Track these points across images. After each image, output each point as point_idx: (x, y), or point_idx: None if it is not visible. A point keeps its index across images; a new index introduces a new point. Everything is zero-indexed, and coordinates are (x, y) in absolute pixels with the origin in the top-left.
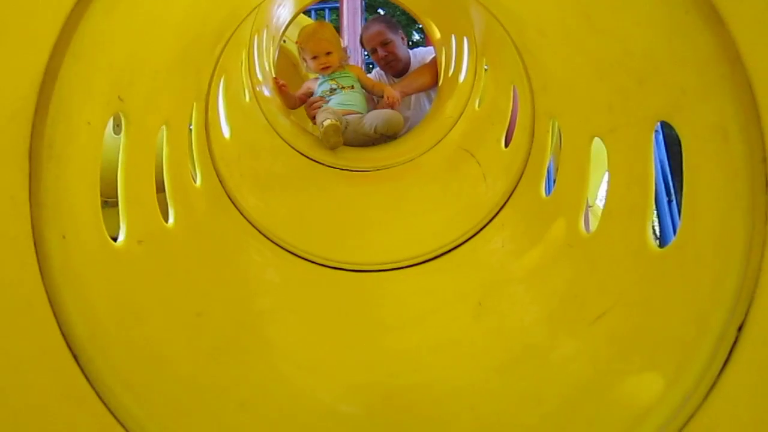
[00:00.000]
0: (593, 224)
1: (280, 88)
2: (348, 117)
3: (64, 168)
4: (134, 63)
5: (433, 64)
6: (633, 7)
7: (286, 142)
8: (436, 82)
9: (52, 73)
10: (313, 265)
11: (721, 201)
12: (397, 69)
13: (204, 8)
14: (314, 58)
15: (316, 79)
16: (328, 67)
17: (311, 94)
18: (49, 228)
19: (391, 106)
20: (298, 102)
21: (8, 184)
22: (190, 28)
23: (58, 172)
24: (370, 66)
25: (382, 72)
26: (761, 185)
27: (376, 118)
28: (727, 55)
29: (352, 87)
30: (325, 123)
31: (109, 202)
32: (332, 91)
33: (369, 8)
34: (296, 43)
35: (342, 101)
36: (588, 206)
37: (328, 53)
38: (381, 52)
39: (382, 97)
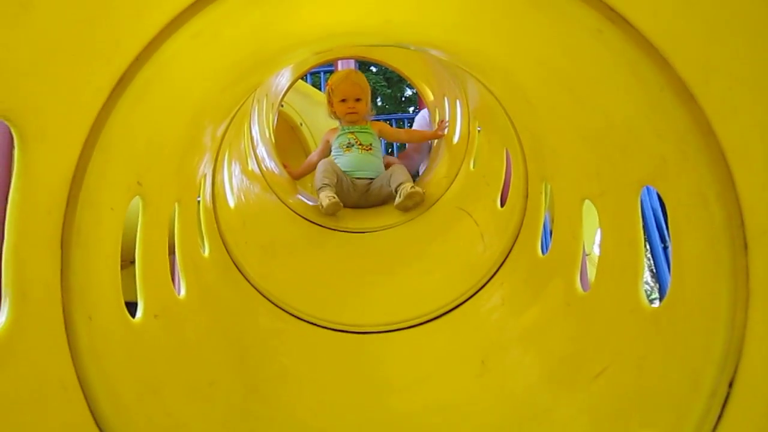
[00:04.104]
0: (591, 272)
1: (288, 171)
2: (357, 180)
3: (89, 252)
4: (152, 150)
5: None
6: (612, 83)
7: (287, 205)
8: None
9: (81, 167)
10: (317, 328)
11: (705, 263)
12: None
13: (215, 94)
14: (343, 101)
15: (335, 130)
16: (354, 113)
17: (329, 145)
18: (77, 310)
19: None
20: (318, 157)
21: (43, 272)
22: (202, 114)
23: (84, 257)
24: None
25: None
26: (741, 248)
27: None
28: (701, 128)
29: (370, 147)
30: (325, 202)
31: None
32: (349, 146)
33: (361, 66)
34: (327, 84)
35: (353, 163)
36: (585, 254)
37: (358, 99)
38: None
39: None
